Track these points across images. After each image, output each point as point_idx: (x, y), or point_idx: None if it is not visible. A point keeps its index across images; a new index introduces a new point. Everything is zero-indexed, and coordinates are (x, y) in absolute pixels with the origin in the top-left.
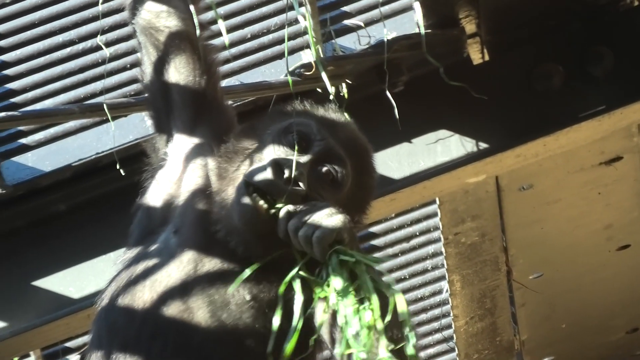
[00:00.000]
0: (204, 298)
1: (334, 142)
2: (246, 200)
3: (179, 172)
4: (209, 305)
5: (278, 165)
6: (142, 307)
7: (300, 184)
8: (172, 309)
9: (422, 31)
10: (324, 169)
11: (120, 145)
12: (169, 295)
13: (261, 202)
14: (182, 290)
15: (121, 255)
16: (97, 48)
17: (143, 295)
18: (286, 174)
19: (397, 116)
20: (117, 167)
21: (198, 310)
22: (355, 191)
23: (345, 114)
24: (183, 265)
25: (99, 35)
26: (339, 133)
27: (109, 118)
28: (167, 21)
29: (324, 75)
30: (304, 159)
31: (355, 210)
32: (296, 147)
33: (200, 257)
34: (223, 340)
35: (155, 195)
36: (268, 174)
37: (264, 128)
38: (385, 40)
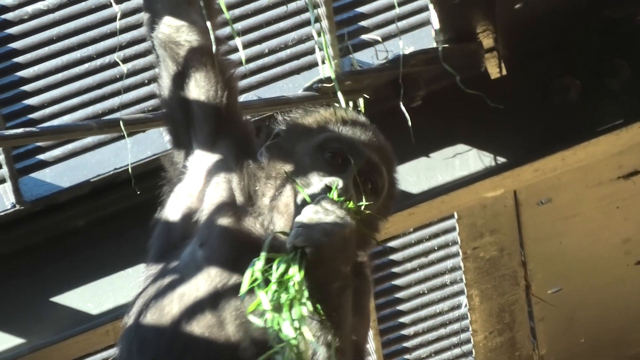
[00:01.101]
0: (233, 311)
1: (369, 152)
2: None
3: (200, 186)
4: (237, 319)
5: (329, 189)
6: (172, 322)
7: (353, 201)
8: (202, 323)
9: (434, 31)
10: (365, 180)
11: (138, 160)
12: (198, 309)
13: None
14: (212, 303)
15: (140, 271)
16: (115, 64)
17: (172, 310)
18: (338, 196)
19: (412, 130)
20: (132, 184)
21: (228, 324)
22: (387, 194)
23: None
24: (211, 278)
25: (116, 52)
26: (371, 141)
27: (125, 134)
28: (187, 35)
29: (339, 93)
30: (347, 175)
31: (384, 213)
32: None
33: (228, 270)
34: (254, 354)
35: (175, 209)
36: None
37: (295, 147)
38: (401, 54)
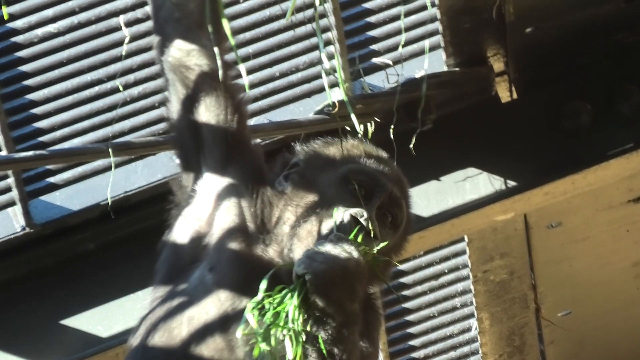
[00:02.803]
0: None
1: (391, 185)
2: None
3: (210, 210)
4: (247, 343)
5: (355, 221)
6: (181, 344)
7: (376, 234)
8: (212, 346)
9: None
10: (386, 212)
11: (149, 183)
12: (207, 333)
13: None
14: (222, 327)
15: (149, 294)
16: (126, 87)
17: (180, 333)
18: (364, 225)
19: (395, 159)
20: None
21: (238, 348)
22: (404, 229)
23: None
24: (221, 302)
25: (117, 77)
26: (392, 174)
27: (112, 161)
28: (198, 59)
29: (352, 115)
30: (370, 207)
31: (399, 248)
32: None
33: (238, 294)
34: None
35: (183, 232)
36: (347, 230)
37: (318, 177)
38: (399, 82)
